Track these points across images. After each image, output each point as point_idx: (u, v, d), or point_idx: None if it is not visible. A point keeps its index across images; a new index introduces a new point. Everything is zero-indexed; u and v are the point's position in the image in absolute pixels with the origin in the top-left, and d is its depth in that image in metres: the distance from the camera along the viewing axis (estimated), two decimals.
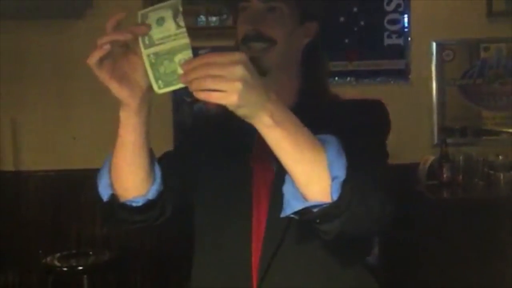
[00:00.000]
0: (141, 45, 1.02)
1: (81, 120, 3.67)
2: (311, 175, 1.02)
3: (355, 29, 3.68)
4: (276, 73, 1.31)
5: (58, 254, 3.34)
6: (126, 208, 1.25)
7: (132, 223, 1.29)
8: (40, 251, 3.42)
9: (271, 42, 1.30)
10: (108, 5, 3.43)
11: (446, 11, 3.63)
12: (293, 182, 1.05)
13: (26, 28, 3.60)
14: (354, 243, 1.26)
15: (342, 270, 1.32)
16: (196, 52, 1.01)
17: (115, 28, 1.05)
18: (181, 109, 3.56)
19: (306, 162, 1.02)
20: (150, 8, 1.03)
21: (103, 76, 1.06)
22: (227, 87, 0.93)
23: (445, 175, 3.42)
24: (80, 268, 3.24)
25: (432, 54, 3.68)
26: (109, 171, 1.24)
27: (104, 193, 1.26)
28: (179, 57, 1.00)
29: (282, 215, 1.07)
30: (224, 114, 1.08)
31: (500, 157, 3.44)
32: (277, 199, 1.21)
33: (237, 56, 0.95)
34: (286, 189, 1.07)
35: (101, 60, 1.04)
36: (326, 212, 1.03)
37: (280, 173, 1.10)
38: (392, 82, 3.68)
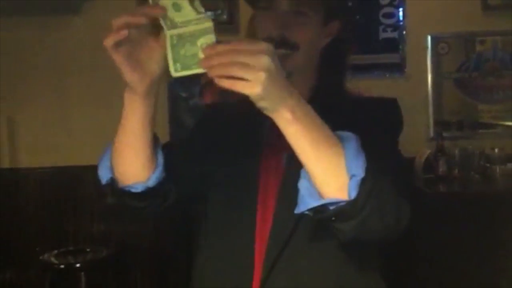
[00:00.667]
0: (164, 26, 1.00)
1: (78, 117, 3.66)
2: (329, 172, 1.01)
3: None
4: (295, 75, 1.26)
5: (56, 251, 3.33)
6: (125, 193, 1.23)
7: (131, 208, 1.27)
8: (38, 248, 3.42)
9: (294, 47, 1.26)
10: (106, 1, 3.40)
11: (441, 4, 3.63)
12: (309, 179, 1.03)
13: (23, 24, 3.59)
14: (367, 249, 1.24)
15: (352, 277, 1.27)
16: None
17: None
18: (177, 105, 3.55)
19: (324, 159, 1.00)
20: None
21: (119, 59, 1.03)
22: (252, 76, 0.91)
23: (441, 169, 3.43)
24: (78, 265, 3.24)
25: (427, 47, 3.68)
26: (111, 155, 1.22)
27: (104, 176, 1.24)
28: (202, 41, 0.97)
29: (296, 211, 1.05)
30: (235, 108, 1.05)
31: (496, 150, 3.45)
32: (285, 199, 1.22)
33: (264, 45, 0.94)
34: (302, 185, 1.04)
35: (117, 44, 1.01)
36: (343, 210, 1.01)
37: (290, 172, 1.08)
38: (387, 75, 3.68)
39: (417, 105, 3.65)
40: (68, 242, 3.56)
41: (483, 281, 2.97)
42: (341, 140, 1.02)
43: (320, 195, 1.02)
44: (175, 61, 1.00)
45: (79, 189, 3.56)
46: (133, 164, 1.20)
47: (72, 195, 3.60)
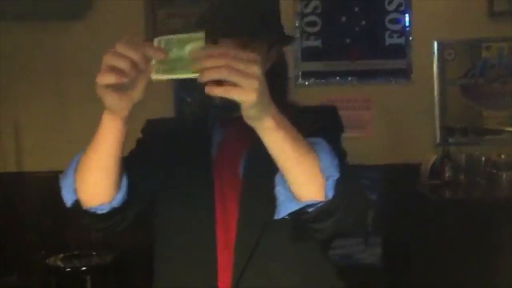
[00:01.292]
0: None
1: (81, 121, 3.67)
2: (309, 175, 1.05)
3: (357, 28, 3.69)
4: None
5: (61, 255, 3.35)
6: (89, 214, 1.22)
7: (94, 229, 1.30)
8: (43, 252, 3.43)
9: None
10: (108, 7, 3.40)
11: (447, 11, 3.64)
12: (285, 184, 1.06)
13: (26, 29, 3.61)
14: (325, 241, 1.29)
15: (315, 271, 1.33)
16: None
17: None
18: (182, 109, 3.56)
19: (305, 163, 1.04)
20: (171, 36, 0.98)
21: (107, 94, 1.03)
22: (247, 83, 0.92)
23: (447, 175, 3.42)
24: (83, 268, 3.26)
25: (433, 53, 3.68)
26: (75, 175, 1.21)
27: (68, 198, 1.22)
28: (191, 45, 0.96)
29: (276, 217, 1.09)
30: (186, 120, 1.05)
31: (502, 156, 3.44)
32: (247, 208, 1.26)
33: (255, 55, 0.95)
34: (279, 191, 1.08)
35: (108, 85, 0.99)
36: (323, 210, 1.06)
37: (248, 182, 1.14)
38: (393, 81, 3.68)
39: (422, 111, 3.65)
40: (74, 246, 3.57)
41: (489, 286, 2.96)
42: (313, 145, 1.08)
43: (297, 199, 1.06)
44: (158, 64, 0.97)
45: None
46: (101, 184, 1.19)
47: None
